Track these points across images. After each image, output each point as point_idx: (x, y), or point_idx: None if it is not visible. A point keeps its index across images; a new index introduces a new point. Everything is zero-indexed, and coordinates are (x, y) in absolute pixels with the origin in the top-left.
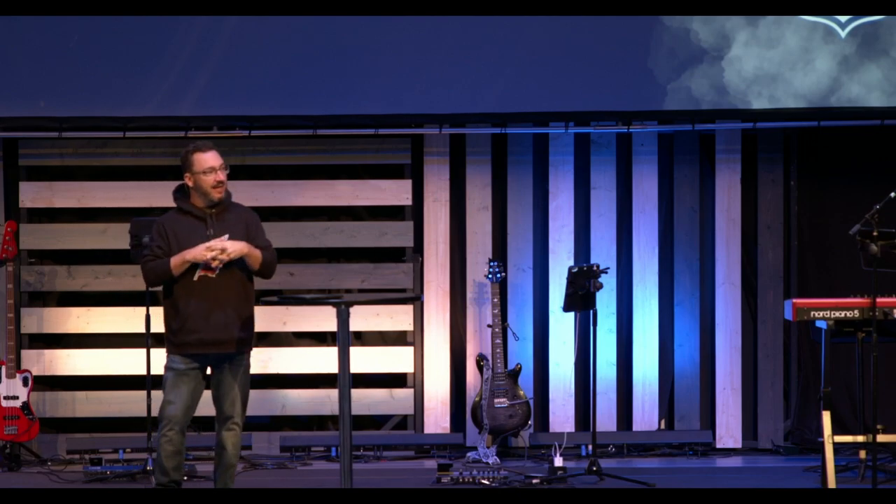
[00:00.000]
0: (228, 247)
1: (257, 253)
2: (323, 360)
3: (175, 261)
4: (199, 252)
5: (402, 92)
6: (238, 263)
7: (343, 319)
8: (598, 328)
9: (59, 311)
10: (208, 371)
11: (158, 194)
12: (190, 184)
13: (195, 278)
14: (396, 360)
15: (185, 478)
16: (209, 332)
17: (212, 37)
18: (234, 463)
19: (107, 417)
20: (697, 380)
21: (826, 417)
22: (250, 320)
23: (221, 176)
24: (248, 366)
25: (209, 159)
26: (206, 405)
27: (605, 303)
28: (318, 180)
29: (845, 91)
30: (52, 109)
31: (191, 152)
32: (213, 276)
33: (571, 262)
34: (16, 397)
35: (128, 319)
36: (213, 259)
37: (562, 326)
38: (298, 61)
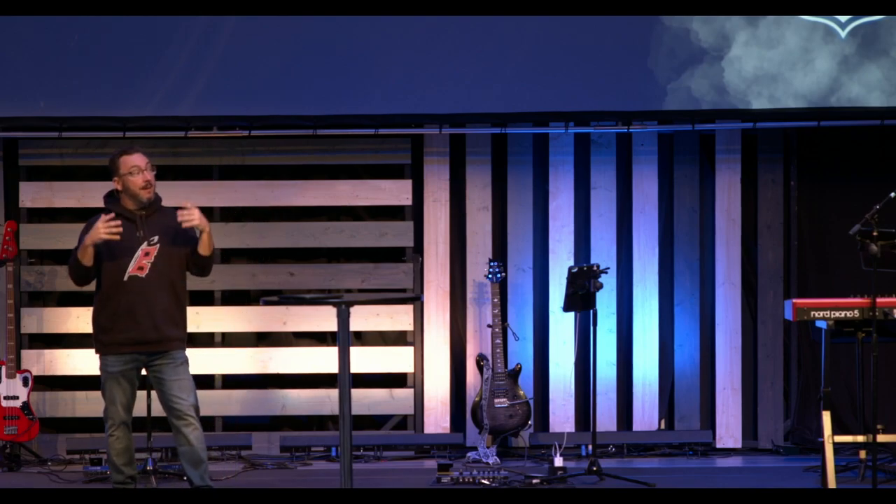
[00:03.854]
0: (196, 212)
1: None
2: (323, 360)
3: (79, 252)
4: (97, 234)
5: (402, 92)
6: (176, 259)
7: (343, 319)
8: (598, 328)
9: (59, 311)
10: (143, 371)
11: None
12: (119, 187)
13: (125, 278)
14: (396, 360)
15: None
16: (139, 332)
17: (211, 37)
18: (204, 458)
19: None
20: (697, 380)
21: (826, 417)
22: (182, 319)
23: (148, 176)
24: (185, 358)
25: (134, 159)
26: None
27: (605, 303)
28: (318, 180)
29: (845, 91)
30: (52, 109)
31: (117, 156)
32: (143, 275)
33: (571, 262)
34: (16, 397)
35: None
36: (190, 218)
37: (562, 326)
38: (298, 61)
